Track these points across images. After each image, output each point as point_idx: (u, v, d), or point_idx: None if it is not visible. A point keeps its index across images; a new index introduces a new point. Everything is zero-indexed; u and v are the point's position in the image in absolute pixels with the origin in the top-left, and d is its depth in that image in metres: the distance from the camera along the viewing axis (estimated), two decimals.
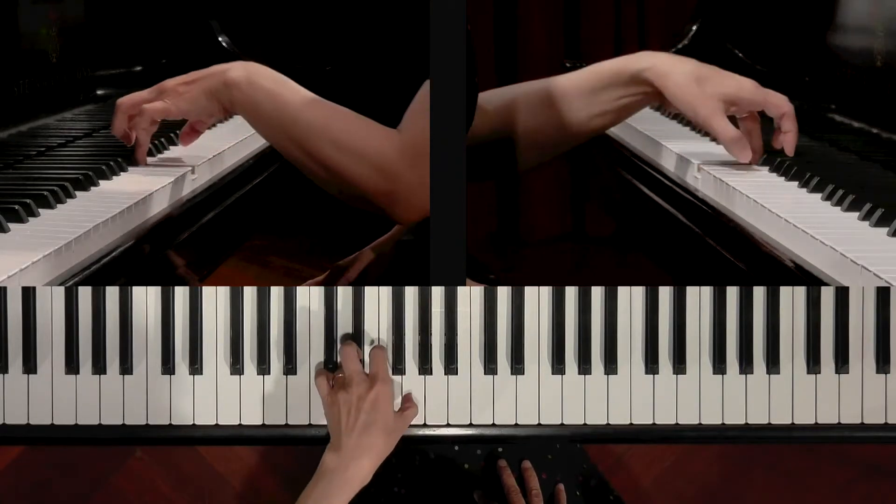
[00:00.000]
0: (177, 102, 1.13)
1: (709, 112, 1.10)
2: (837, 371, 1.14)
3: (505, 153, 1.17)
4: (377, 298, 1.14)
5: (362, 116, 1.06)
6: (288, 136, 1.07)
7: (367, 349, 1.14)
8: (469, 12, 0.97)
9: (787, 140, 1.14)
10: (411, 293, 1.15)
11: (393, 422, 1.06)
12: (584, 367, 1.14)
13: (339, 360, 1.13)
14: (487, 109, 1.15)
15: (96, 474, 1.92)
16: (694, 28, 1.60)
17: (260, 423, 1.13)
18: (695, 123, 1.13)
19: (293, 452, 1.94)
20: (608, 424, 1.14)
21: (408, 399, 1.12)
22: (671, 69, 1.11)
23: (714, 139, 1.22)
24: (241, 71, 1.11)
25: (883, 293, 1.14)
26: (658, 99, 1.13)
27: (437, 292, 1.14)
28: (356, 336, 1.14)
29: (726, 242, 1.04)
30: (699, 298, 1.15)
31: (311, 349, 1.14)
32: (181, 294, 1.14)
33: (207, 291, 1.14)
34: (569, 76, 1.16)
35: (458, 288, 1.14)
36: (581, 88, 1.14)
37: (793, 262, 0.93)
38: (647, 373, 1.14)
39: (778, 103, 1.13)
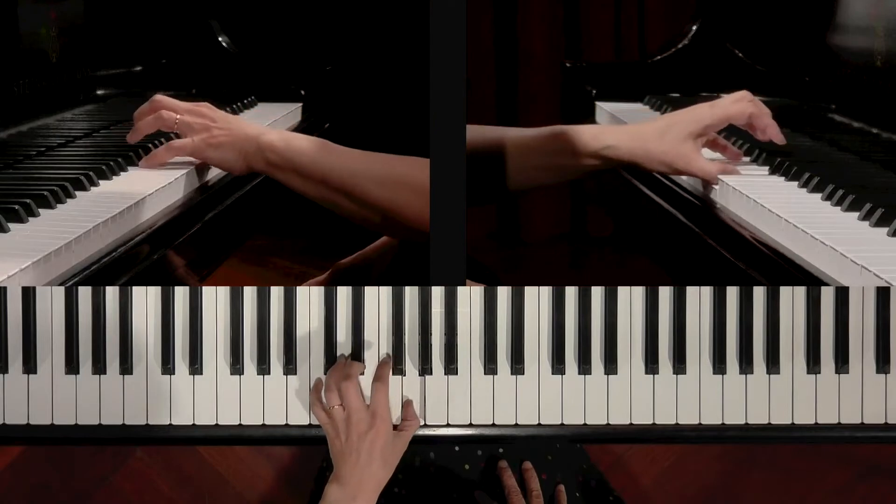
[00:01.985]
0: (204, 148, 1.14)
1: (684, 163, 1.12)
2: (837, 371, 1.14)
3: (495, 176, 1.17)
4: (377, 298, 1.14)
5: (399, 156, 1.08)
6: (332, 187, 1.08)
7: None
8: (469, 12, 0.96)
9: (771, 133, 1.15)
10: (411, 293, 1.15)
11: (391, 453, 1.08)
12: (584, 367, 1.14)
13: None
14: None
15: (96, 474, 1.92)
16: (694, 28, 1.60)
17: (260, 423, 1.13)
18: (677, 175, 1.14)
19: (293, 452, 1.94)
20: (608, 424, 1.14)
21: (409, 414, 1.12)
22: (633, 145, 1.12)
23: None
24: (276, 134, 1.12)
25: (883, 293, 1.14)
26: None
27: (437, 292, 1.14)
28: (356, 336, 1.14)
29: (726, 242, 1.04)
30: (699, 298, 1.15)
31: (311, 349, 1.14)
32: (181, 294, 1.14)
33: (207, 291, 1.14)
34: (526, 134, 1.14)
35: (458, 288, 1.14)
36: (543, 150, 1.13)
37: (793, 262, 0.93)
38: (647, 373, 1.14)
39: (739, 111, 1.13)
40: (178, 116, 1.15)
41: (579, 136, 1.12)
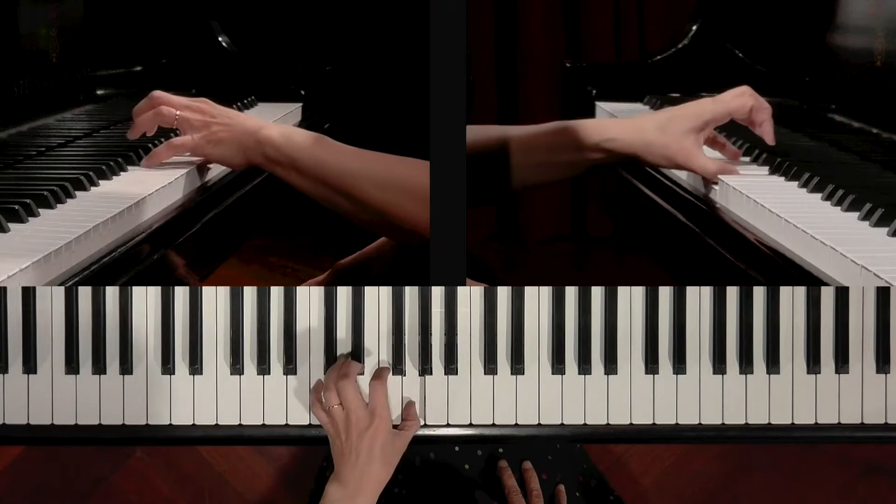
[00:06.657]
0: (204, 145, 1.14)
1: (684, 157, 1.12)
2: (837, 371, 1.14)
3: (498, 175, 1.17)
4: (377, 298, 1.14)
5: (400, 157, 1.07)
6: (331, 187, 1.08)
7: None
8: (469, 12, 0.97)
9: (765, 130, 1.15)
10: (411, 293, 1.15)
11: (392, 452, 1.08)
12: (584, 367, 1.14)
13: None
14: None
15: (96, 474, 1.92)
16: (694, 28, 1.60)
17: (260, 423, 1.13)
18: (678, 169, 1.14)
19: (293, 452, 1.94)
20: (608, 424, 1.14)
21: (410, 414, 1.12)
22: (633, 137, 1.12)
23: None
24: (276, 129, 1.12)
25: (883, 293, 1.14)
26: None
27: (437, 292, 1.14)
28: (356, 336, 1.14)
29: (726, 242, 1.04)
30: (699, 298, 1.15)
31: (311, 349, 1.14)
32: (181, 294, 1.14)
33: (207, 291, 1.14)
34: (529, 131, 1.14)
35: (458, 288, 1.14)
36: (545, 146, 1.13)
37: (793, 262, 0.93)
38: (647, 373, 1.14)
39: (740, 105, 1.13)
40: (178, 113, 1.15)
41: (582, 129, 1.12)
